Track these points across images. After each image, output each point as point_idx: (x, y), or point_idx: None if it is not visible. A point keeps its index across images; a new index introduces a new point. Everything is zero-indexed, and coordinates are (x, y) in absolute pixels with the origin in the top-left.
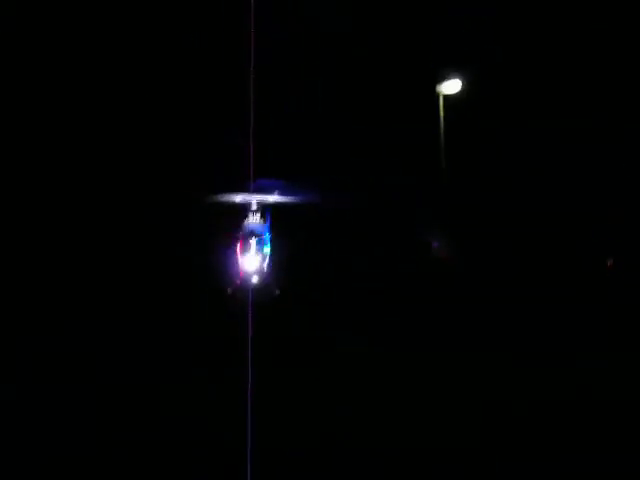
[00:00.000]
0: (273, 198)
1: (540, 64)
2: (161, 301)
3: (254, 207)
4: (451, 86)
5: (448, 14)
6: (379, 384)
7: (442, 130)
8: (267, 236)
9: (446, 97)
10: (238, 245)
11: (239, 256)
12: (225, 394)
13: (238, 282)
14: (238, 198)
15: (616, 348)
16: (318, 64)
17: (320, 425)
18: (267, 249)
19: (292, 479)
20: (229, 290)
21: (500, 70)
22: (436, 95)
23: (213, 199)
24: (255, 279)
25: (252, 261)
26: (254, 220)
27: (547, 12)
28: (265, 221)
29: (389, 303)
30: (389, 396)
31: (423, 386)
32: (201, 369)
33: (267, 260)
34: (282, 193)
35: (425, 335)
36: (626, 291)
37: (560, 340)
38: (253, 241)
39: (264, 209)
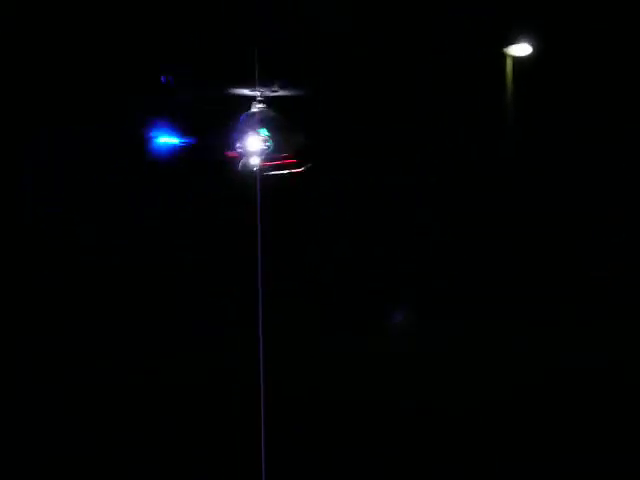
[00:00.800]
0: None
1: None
2: None
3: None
4: None
5: (448, 14)
6: (376, 383)
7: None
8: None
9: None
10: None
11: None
12: None
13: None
14: (241, 90)
15: (616, 348)
16: (318, 64)
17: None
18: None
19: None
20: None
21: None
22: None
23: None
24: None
25: (256, 143)
26: (260, 109)
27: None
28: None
29: (389, 303)
30: (385, 394)
31: (422, 385)
32: None
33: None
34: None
35: (424, 335)
36: (626, 291)
37: (559, 340)
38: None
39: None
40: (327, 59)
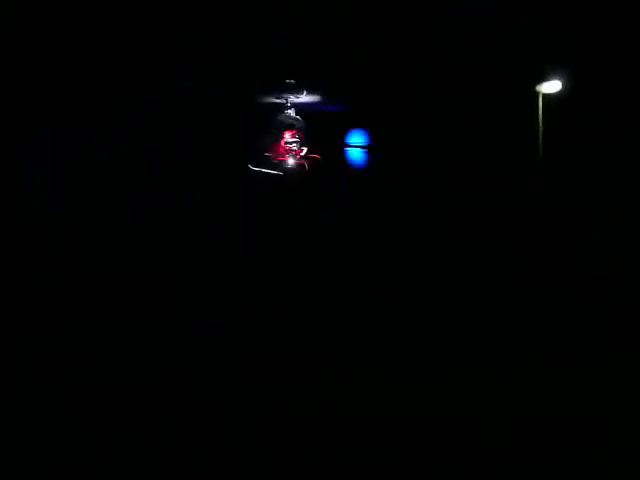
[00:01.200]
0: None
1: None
2: None
3: (287, 104)
4: None
5: (448, 14)
6: (375, 383)
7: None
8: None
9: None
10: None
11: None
12: None
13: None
14: (272, 98)
15: (616, 348)
16: (318, 64)
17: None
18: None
19: None
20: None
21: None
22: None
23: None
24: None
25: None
26: (287, 114)
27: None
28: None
29: (389, 302)
30: (384, 393)
31: (422, 385)
32: None
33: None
34: (310, 93)
35: (425, 335)
36: (626, 291)
37: (560, 340)
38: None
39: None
40: (327, 59)
